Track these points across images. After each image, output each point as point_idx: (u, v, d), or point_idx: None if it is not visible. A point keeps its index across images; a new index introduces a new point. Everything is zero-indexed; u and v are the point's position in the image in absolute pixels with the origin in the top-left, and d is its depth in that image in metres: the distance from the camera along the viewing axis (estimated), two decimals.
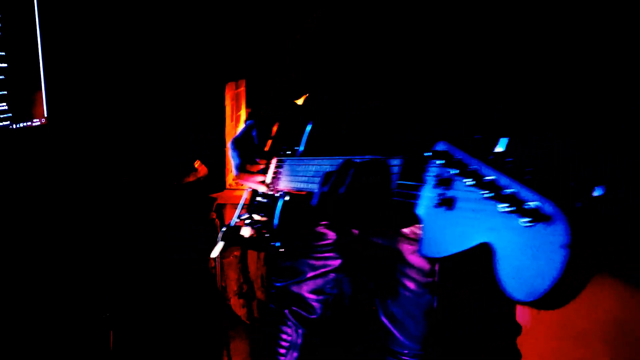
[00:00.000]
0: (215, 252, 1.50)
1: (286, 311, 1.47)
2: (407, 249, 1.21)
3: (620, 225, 0.62)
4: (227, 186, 3.14)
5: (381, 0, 1.23)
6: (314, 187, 1.12)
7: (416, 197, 0.81)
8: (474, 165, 0.69)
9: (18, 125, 2.20)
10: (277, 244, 1.35)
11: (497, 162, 0.67)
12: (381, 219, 0.97)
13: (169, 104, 2.82)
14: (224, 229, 1.51)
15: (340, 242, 1.38)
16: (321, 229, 1.40)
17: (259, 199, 1.49)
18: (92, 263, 2.46)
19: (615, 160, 0.85)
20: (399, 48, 1.18)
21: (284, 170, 1.36)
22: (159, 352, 2.56)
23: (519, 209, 0.60)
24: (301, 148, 1.33)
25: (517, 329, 1.25)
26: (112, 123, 2.61)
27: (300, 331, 1.44)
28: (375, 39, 1.23)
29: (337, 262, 1.40)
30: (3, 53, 2.09)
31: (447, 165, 0.73)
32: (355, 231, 1.32)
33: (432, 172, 0.79)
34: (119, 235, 2.58)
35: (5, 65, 2.11)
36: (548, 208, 0.58)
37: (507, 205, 0.62)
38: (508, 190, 0.63)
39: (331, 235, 1.39)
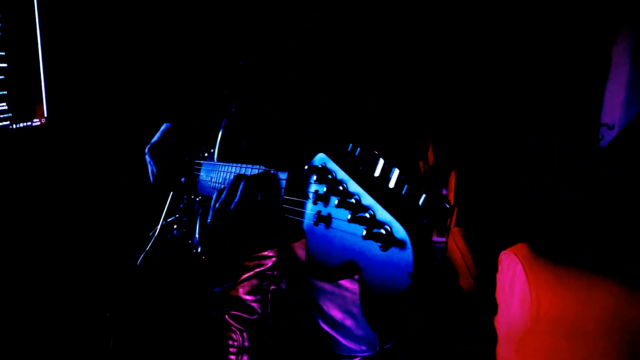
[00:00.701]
0: (139, 260, 1.47)
1: (226, 316, 1.44)
2: None
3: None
4: None
5: (381, 0, 1.23)
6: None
7: (300, 213, 0.81)
8: (344, 182, 0.69)
9: (18, 125, 2.19)
10: (199, 251, 1.32)
11: (364, 177, 0.67)
12: (273, 236, 0.96)
13: (169, 104, 2.81)
14: (150, 234, 1.47)
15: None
16: None
17: (182, 202, 1.46)
18: (92, 263, 2.46)
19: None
20: (399, 48, 1.18)
21: (201, 174, 1.34)
22: (159, 352, 2.56)
23: (374, 234, 0.61)
24: (216, 152, 1.30)
25: (493, 308, 1.24)
26: (112, 123, 2.61)
27: (245, 334, 1.42)
28: (375, 38, 1.23)
29: (271, 260, 1.38)
30: (3, 53, 2.09)
31: (320, 181, 0.73)
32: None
33: (311, 188, 0.79)
34: (119, 235, 2.58)
35: (5, 65, 2.11)
36: (399, 233, 0.60)
37: (365, 228, 0.63)
38: (368, 213, 0.63)
39: None
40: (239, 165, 1.07)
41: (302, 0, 1.46)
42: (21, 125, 2.21)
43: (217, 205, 0.96)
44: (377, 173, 0.66)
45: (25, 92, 2.23)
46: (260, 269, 1.39)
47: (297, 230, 0.80)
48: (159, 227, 1.44)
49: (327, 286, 1.23)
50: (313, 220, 0.75)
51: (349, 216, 0.66)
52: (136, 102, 2.69)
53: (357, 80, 1.27)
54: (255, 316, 1.40)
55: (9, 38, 2.11)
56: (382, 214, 0.62)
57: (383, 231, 0.61)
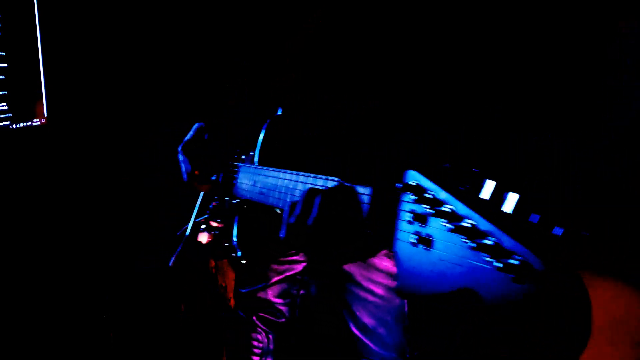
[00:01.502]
0: (171, 260, 1.47)
1: (254, 317, 1.44)
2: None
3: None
4: None
5: (381, 0, 1.23)
6: (274, 200, 1.10)
7: (392, 232, 0.77)
8: (448, 203, 0.66)
9: (18, 125, 2.19)
10: (239, 255, 1.31)
11: (472, 198, 0.64)
12: (354, 252, 0.93)
13: (169, 104, 2.81)
14: (178, 233, 1.47)
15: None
16: None
17: (214, 203, 1.44)
18: (92, 263, 2.46)
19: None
20: (399, 48, 1.18)
21: (240, 176, 1.31)
22: (159, 352, 2.56)
23: (509, 266, 0.58)
24: (256, 155, 1.28)
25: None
26: (112, 123, 2.61)
27: (271, 336, 1.41)
28: (375, 38, 1.23)
29: (302, 265, 1.37)
30: (3, 53, 2.09)
31: (420, 201, 0.70)
32: None
33: (406, 207, 0.75)
34: (119, 235, 2.58)
35: (5, 65, 2.11)
36: (537, 265, 0.57)
37: (495, 261, 0.59)
38: (491, 240, 0.60)
39: None
40: (303, 174, 1.02)
41: (302, 0, 1.45)
42: (21, 125, 2.21)
43: (292, 219, 0.92)
44: (485, 195, 0.62)
45: (25, 92, 2.23)
46: (291, 272, 1.39)
47: (382, 249, 0.78)
48: (189, 226, 1.44)
49: (361, 293, 1.22)
50: (411, 241, 0.72)
51: (465, 241, 0.63)
52: (136, 102, 2.69)
53: (357, 80, 1.27)
54: (283, 319, 1.41)
55: (9, 38, 2.11)
56: (510, 243, 0.58)
57: (515, 262, 0.58)
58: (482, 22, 1.08)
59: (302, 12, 1.45)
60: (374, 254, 0.99)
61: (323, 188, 0.93)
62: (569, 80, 1.00)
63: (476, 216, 0.62)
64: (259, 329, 1.43)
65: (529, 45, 1.05)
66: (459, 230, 0.64)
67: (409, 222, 0.73)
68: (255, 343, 1.43)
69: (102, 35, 2.50)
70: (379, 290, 1.19)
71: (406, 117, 1.13)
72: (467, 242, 0.63)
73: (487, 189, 0.63)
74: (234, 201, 1.33)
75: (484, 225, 0.61)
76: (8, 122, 2.14)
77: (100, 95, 2.55)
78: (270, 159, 1.25)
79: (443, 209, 0.66)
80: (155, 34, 2.65)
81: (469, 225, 0.63)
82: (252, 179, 1.24)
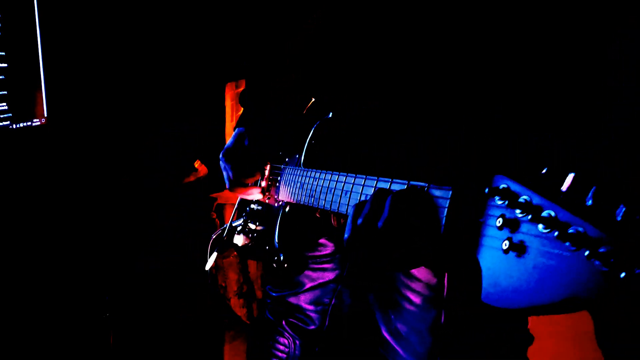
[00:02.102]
0: (209, 264, 1.47)
1: (283, 322, 1.43)
2: None
3: None
4: None
5: (381, 0, 1.23)
6: (322, 202, 1.08)
7: (477, 238, 0.71)
8: (547, 208, 0.61)
9: (18, 125, 2.19)
10: (281, 259, 1.29)
11: (573, 204, 0.59)
12: (430, 260, 0.84)
13: (169, 104, 2.82)
14: (214, 236, 1.47)
15: (340, 252, 1.34)
16: (320, 240, 1.37)
17: (253, 206, 1.44)
18: (92, 263, 2.46)
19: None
20: (399, 48, 1.18)
21: (284, 179, 1.31)
22: (159, 352, 2.56)
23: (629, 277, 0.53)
24: (302, 157, 1.26)
25: (529, 339, 1.23)
26: (112, 123, 2.61)
27: (297, 342, 1.40)
28: (375, 39, 1.23)
29: (336, 273, 1.36)
30: (3, 53, 2.09)
31: (512, 206, 0.65)
32: None
33: (494, 212, 0.69)
34: (119, 235, 2.58)
35: (5, 65, 2.11)
36: None
37: (601, 264, 0.54)
38: (604, 248, 0.55)
39: (330, 245, 1.36)
40: (362, 176, 0.96)
41: (302, 0, 1.45)
42: (21, 125, 2.21)
43: (359, 219, 0.85)
44: (590, 201, 0.58)
45: (25, 92, 2.23)
46: (324, 280, 1.37)
47: (463, 257, 0.72)
48: (226, 230, 1.44)
49: (399, 299, 1.20)
50: (502, 248, 0.66)
51: (572, 247, 0.58)
52: (136, 102, 2.69)
53: (357, 81, 1.27)
54: (313, 327, 1.38)
55: (9, 38, 2.11)
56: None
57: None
58: (482, 22, 1.08)
59: (302, 12, 1.45)
60: (455, 265, 0.93)
61: (394, 190, 0.86)
62: (568, 81, 1.00)
63: (581, 222, 0.58)
64: (286, 334, 1.42)
65: (528, 45, 1.05)
66: (561, 237, 0.59)
67: (498, 228, 0.67)
68: (282, 347, 1.42)
69: (102, 35, 2.50)
70: (416, 300, 1.17)
71: (406, 118, 1.13)
72: (571, 250, 0.58)
73: (593, 195, 0.59)
74: (276, 204, 1.32)
75: (592, 231, 0.57)
76: (8, 122, 2.14)
77: (100, 96, 2.56)
78: (316, 162, 1.23)
79: (540, 214, 0.61)
80: (155, 34, 2.66)
81: (574, 232, 0.58)
82: (298, 181, 1.21)
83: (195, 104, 2.91)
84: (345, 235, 0.87)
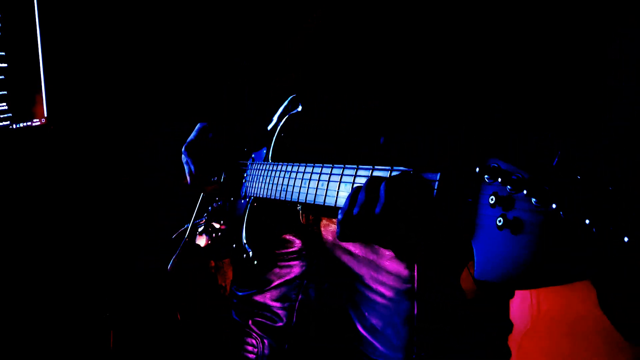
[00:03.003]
0: (170, 265, 1.43)
1: (249, 322, 1.41)
2: (383, 255, 1.18)
3: None
4: None
5: (381, 0, 1.23)
6: (296, 195, 1.07)
7: (472, 218, 0.72)
8: (542, 183, 0.61)
9: (18, 125, 2.19)
10: (251, 255, 1.27)
11: (567, 177, 0.60)
12: (426, 244, 0.85)
13: (169, 104, 2.82)
14: (174, 236, 1.44)
15: (307, 249, 1.34)
16: (286, 236, 1.36)
17: (215, 204, 1.41)
18: (92, 263, 2.46)
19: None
20: (398, 48, 1.18)
21: (251, 174, 1.29)
22: (159, 352, 2.56)
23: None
24: (270, 152, 1.25)
25: (509, 327, 1.24)
26: (112, 123, 2.61)
27: (266, 342, 1.38)
28: (375, 38, 1.23)
29: (302, 269, 1.35)
30: (3, 53, 2.09)
31: (505, 182, 0.65)
32: (328, 237, 1.27)
33: (487, 190, 0.70)
34: (119, 235, 2.58)
35: (5, 65, 2.11)
36: None
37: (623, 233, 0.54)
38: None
39: (297, 242, 1.35)
40: (342, 165, 0.97)
41: (302, 0, 1.45)
42: (21, 125, 2.21)
43: (355, 209, 0.85)
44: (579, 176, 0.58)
45: (25, 92, 2.23)
46: (290, 276, 1.36)
47: (458, 238, 0.72)
48: (188, 229, 1.41)
49: (370, 294, 1.21)
50: (495, 226, 0.67)
51: (566, 217, 0.59)
52: (136, 102, 2.69)
53: (357, 80, 1.26)
54: (280, 324, 1.37)
55: (9, 38, 2.11)
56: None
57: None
58: (482, 22, 1.08)
59: (302, 12, 1.45)
60: (451, 247, 0.93)
61: (385, 175, 0.87)
62: (569, 80, 1.00)
63: (575, 193, 0.58)
64: (254, 334, 1.40)
65: (529, 45, 1.05)
66: (554, 210, 0.59)
67: (491, 206, 0.68)
68: (250, 348, 1.41)
69: (102, 35, 2.50)
70: (388, 293, 1.19)
71: (406, 117, 1.13)
72: (562, 217, 0.59)
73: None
74: (242, 201, 1.30)
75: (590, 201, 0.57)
76: (8, 122, 2.14)
77: (100, 95, 2.56)
78: (285, 156, 1.22)
79: (532, 188, 0.62)
80: (154, 34, 2.66)
81: (565, 201, 0.59)
82: (268, 176, 1.20)
83: (195, 104, 2.91)
84: (339, 228, 0.87)
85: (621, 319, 0.68)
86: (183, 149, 1.39)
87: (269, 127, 1.29)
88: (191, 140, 1.39)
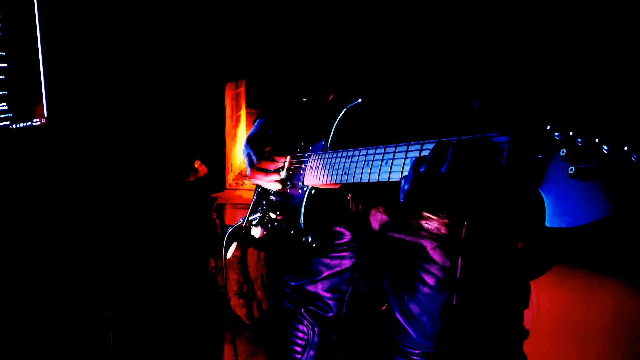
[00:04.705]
0: (229, 253, 1.49)
1: (302, 310, 1.47)
2: (429, 244, 1.21)
3: None
4: (227, 186, 3.14)
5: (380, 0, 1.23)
6: (358, 177, 1.10)
7: (542, 172, 0.77)
8: (613, 132, 0.68)
9: (18, 125, 2.19)
10: (309, 240, 1.31)
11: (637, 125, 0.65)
12: (494, 197, 0.86)
13: (169, 104, 2.82)
14: (230, 229, 1.49)
15: (356, 241, 1.38)
16: (338, 228, 1.41)
17: (272, 197, 1.47)
18: (92, 263, 2.46)
19: None
20: (397, 47, 1.19)
21: (309, 164, 1.34)
22: (159, 352, 2.56)
23: None
24: (330, 141, 1.30)
25: (525, 332, 1.26)
26: (112, 123, 2.61)
27: (316, 329, 1.44)
28: (373, 38, 1.23)
29: (352, 261, 1.40)
30: (3, 53, 2.09)
31: (577, 135, 0.71)
32: (375, 227, 1.31)
33: (556, 146, 0.75)
34: (119, 235, 2.58)
35: (5, 65, 2.11)
36: None
37: None
38: None
39: (347, 234, 1.40)
40: (403, 144, 1.00)
41: (302, 0, 1.46)
42: (21, 125, 2.21)
43: (422, 167, 0.87)
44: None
45: (25, 92, 2.23)
46: (341, 268, 1.42)
47: (529, 190, 0.76)
48: (246, 220, 1.47)
49: (413, 280, 1.24)
50: (567, 175, 0.72)
51: (635, 158, 0.64)
52: (136, 102, 2.69)
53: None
54: (331, 314, 1.43)
55: (9, 38, 2.11)
56: None
57: None
58: (483, 22, 1.09)
59: (303, 11, 1.45)
60: (520, 198, 0.92)
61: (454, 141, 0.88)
62: (569, 80, 1.00)
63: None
64: (305, 321, 1.46)
65: (529, 45, 1.05)
66: (630, 150, 0.65)
67: (562, 159, 0.73)
68: (300, 335, 1.47)
69: (102, 35, 2.50)
70: (430, 281, 1.21)
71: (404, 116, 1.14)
72: (633, 160, 0.64)
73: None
74: (300, 190, 1.35)
75: None
76: (8, 122, 2.14)
77: (100, 95, 2.56)
78: (344, 145, 1.26)
79: (606, 136, 0.67)
80: (155, 34, 2.66)
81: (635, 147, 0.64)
82: (328, 163, 1.25)
83: (195, 104, 2.91)
84: (406, 187, 0.89)
85: None
86: (245, 142, 1.45)
87: (326, 121, 1.34)
88: (253, 133, 1.46)
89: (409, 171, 0.90)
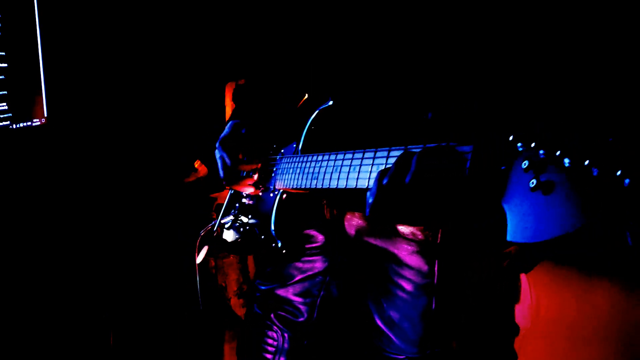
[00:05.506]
0: (200, 257, 1.46)
1: (272, 315, 1.43)
2: (404, 249, 1.20)
3: None
4: None
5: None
6: (327, 182, 1.09)
7: (504, 184, 0.75)
8: (575, 143, 0.66)
9: (18, 125, 2.20)
10: (279, 245, 1.30)
11: (599, 137, 0.64)
12: (457, 209, 0.85)
13: (169, 104, 2.82)
14: (202, 232, 1.47)
15: (330, 244, 1.36)
16: (310, 231, 1.38)
17: (244, 200, 1.44)
18: (92, 263, 2.46)
19: None
20: (396, 47, 1.18)
21: (281, 167, 1.32)
22: (159, 352, 2.56)
23: None
24: (301, 144, 1.28)
25: (515, 329, 1.25)
26: (112, 123, 2.61)
27: (286, 335, 1.40)
28: (371, 38, 1.23)
29: (325, 265, 1.37)
30: (3, 53, 2.09)
31: (540, 147, 0.69)
32: (351, 232, 1.30)
33: (519, 157, 0.74)
34: (119, 235, 2.58)
35: (5, 65, 2.11)
36: None
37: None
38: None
39: (320, 237, 1.37)
40: (370, 150, 0.99)
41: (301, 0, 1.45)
42: (21, 125, 2.21)
43: (385, 180, 0.86)
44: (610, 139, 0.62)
45: (25, 92, 2.23)
46: (313, 272, 1.38)
47: (491, 202, 0.75)
48: (217, 223, 1.44)
49: (391, 287, 1.23)
50: (528, 188, 0.71)
51: (599, 174, 0.62)
52: (136, 101, 2.69)
53: (361, 76, 1.28)
54: (301, 319, 1.39)
55: (9, 38, 2.11)
56: None
57: None
58: (483, 22, 1.09)
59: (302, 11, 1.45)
60: (482, 211, 0.94)
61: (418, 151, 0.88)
62: (569, 80, 1.00)
63: (606, 152, 0.62)
64: (274, 327, 1.43)
65: (529, 44, 1.05)
66: (590, 164, 0.63)
67: (524, 171, 0.72)
68: (270, 341, 1.43)
69: (102, 35, 2.50)
70: (408, 287, 1.21)
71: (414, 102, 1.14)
72: (594, 176, 0.63)
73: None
74: (271, 194, 1.33)
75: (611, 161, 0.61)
76: (8, 122, 2.14)
77: (100, 95, 2.56)
78: (315, 148, 1.23)
79: (568, 148, 0.66)
80: (155, 34, 2.65)
81: (597, 160, 0.62)
82: (298, 167, 1.22)
83: (195, 104, 2.91)
84: (370, 200, 0.88)
85: None
86: (217, 144, 1.41)
87: (299, 123, 1.32)
88: (225, 135, 1.41)
89: (373, 184, 0.89)
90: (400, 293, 1.21)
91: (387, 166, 0.93)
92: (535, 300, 1.28)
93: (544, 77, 1.02)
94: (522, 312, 1.31)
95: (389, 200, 0.86)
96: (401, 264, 1.20)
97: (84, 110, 2.51)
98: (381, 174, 0.88)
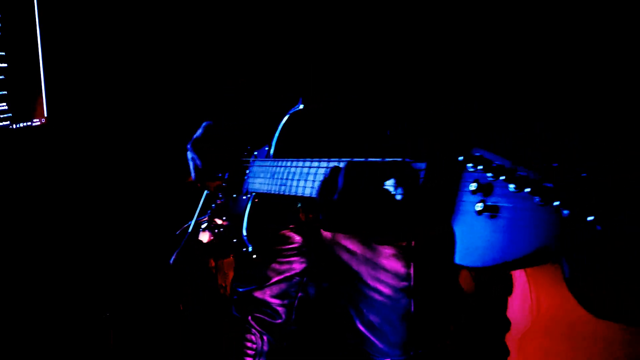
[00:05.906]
0: (172, 258, 1.45)
1: (249, 317, 1.43)
2: (382, 253, 1.20)
3: None
4: None
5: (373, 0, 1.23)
6: (293, 189, 1.08)
7: (452, 205, 0.74)
8: (521, 171, 0.65)
9: (18, 125, 2.20)
10: (250, 249, 1.28)
11: (544, 164, 0.63)
12: (396, 227, 0.87)
13: (168, 104, 2.82)
14: (178, 233, 1.46)
15: (307, 245, 1.35)
16: (287, 232, 1.37)
17: (219, 201, 1.43)
18: (92, 263, 2.46)
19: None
20: (398, 45, 1.18)
21: (253, 170, 1.30)
22: (159, 352, 2.56)
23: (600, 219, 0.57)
24: (272, 148, 1.26)
25: (506, 325, 1.25)
26: (112, 123, 2.61)
27: (265, 338, 1.40)
28: (366, 36, 1.23)
29: (302, 266, 1.37)
30: (3, 53, 2.09)
31: (486, 170, 0.68)
32: (327, 235, 1.28)
33: (468, 178, 0.73)
34: (119, 235, 2.58)
35: (5, 65, 2.11)
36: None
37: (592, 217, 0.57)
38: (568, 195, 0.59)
39: (297, 239, 1.37)
40: (338, 159, 0.97)
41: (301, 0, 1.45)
42: (21, 125, 2.21)
43: (316, 196, 0.88)
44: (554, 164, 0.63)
45: (25, 92, 2.23)
46: (290, 273, 1.38)
47: (438, 224, 0.74)
48: (191, 225, 1.42)
49: (368, 291, 1.23)
50: (475, 211, 0.70)
51: (541, 202, 0.61)
52: (136, 101, 2.69)
53: (355, 79, 1.27)
54: (279, 320, 1.40)
55: (9, 38, 2.12)
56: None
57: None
58: (483, 22, 1.09)
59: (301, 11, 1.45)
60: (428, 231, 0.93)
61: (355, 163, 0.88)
62: (568, 80, 1.00)
63: (548, 177, 0.62)
64: (253, 330, 1.42)
65: (529, 44, 1.05)
66: (537, 192, 0.62)
67: (472, 193, 0.71)
68: (249, 344, 1.42)
69: (102, 35, 2.50)
70: (385, 290, 1.21)
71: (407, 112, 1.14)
72: (540, 204, 0.62)
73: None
74: (243, 197, 1.31)
75: (558, 185, 0.60)
76: (8, 122, 2.14)
77: (100, 96, 2.56)
78: (287, 152, 1.23)
79: (512, 175, 0.65)
80: (155, 34, 2.66)
81: (548, 186, 0.62)
82: (268, 171, 1.21)
83: (196, 104, 2.91)
84: (317, 211, 0.89)
85: (588, 300, 0.71)
86: (188, 146, 1.40)
87: (271, 125, 1.30)
88: (197, 137, 1.40)
89: (314, 199, 0.89)
90: (378, 297, 1.21)
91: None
92: (535, 300, 1.28)
93: (505, 88, 1.02)
94: (522, 312, 1.30)
95: (325, 215, 0.87)
96: (377, 267, 1.21)
97: (84, 110, 2.51)
98: (324, 186, 0.88)
